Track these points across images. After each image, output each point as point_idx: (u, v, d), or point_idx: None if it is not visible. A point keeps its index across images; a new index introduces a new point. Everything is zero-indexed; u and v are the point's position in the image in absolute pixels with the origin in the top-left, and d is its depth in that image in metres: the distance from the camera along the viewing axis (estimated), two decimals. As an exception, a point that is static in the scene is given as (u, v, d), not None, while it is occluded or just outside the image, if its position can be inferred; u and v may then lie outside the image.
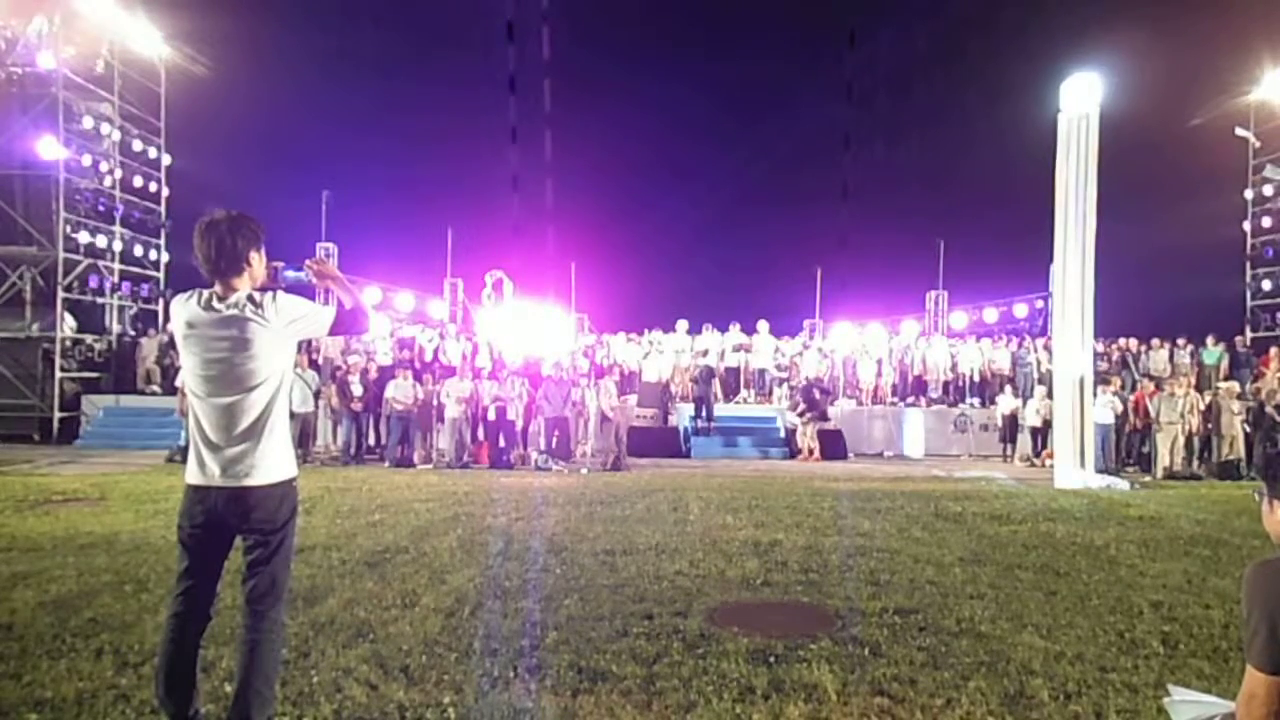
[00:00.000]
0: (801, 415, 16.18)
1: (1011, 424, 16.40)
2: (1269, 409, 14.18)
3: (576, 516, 8.78)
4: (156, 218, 20.24)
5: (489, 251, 25.28)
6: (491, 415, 14.32)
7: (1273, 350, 16.77)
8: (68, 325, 17.78)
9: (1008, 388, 17.05)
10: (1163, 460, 14.09)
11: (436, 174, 30.61)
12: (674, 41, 36.36)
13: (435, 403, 14.51)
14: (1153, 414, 14.30)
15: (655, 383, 17.97)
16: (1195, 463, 14.53)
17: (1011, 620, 5.19)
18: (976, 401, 18.44)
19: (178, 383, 13.19)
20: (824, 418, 16.30)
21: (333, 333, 3.40)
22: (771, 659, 4.40)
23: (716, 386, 17.73)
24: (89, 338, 18.62)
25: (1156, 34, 20.70)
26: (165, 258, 20.49)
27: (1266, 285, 20.01)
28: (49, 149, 16.98)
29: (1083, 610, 5.45)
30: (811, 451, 15.84)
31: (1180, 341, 18.28)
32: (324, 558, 6.55)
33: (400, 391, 14.07)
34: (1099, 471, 12.90)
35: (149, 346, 18.06)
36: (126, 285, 19.24)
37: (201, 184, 21.22)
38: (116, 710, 3.62)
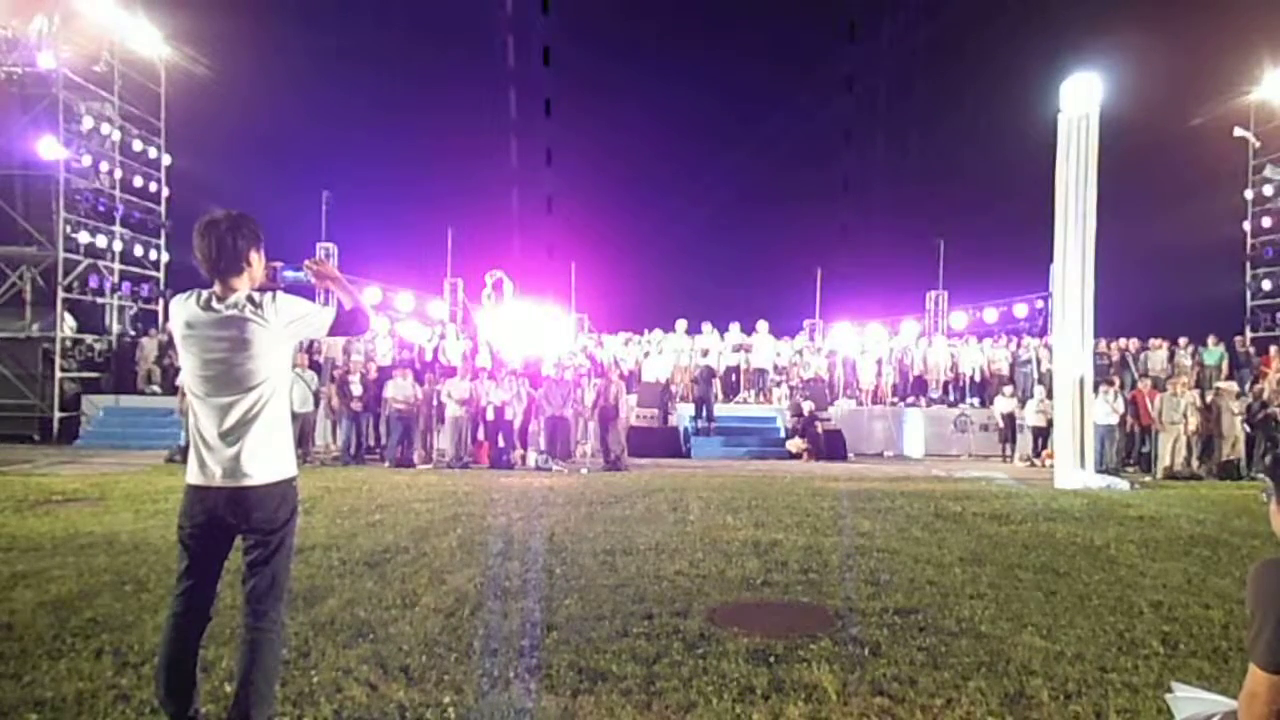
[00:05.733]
0: (798, 425, 16.46)
1: (1009, 424, 16.41)
2: (1271, 409, 14.17)
3: (576, 516, 8.77)
4: (156, 218, 20.24)
5: (489, 251, 25.25)
6: (490, 415, 14.33)
7: (1273, 350, 16.78)
8: (68, 325, 17.78)
9: (1006, 388, 17.06)
10: (1163, 460, 14.09)
11: (436, 174, 30.56)
12: (673, 41, 36.30)
13: (435, 402, 14.52)
14: (1153, 414, 14.30)
15: (655, 383, 17.98)
16: (1195, 463, 14.53)
17: (1011, 620, 5.18)
18: (976, 401, 18.44)
19: (178, 382, 13.19)
20: (813, 423, 16.42)
21: (332, 333, 3.40)
22: (771, 659, 4.40)
23: (717, 386, 17.74)
24: (89, 338, 18.62)
25: (1156, 34, 20.67)
26: (165, 258, 20.50)
27: (1266, 285, 20.00)
28: (49, 149, 16.98)
29: (1083, 610, 5.44)
30: (805, 453, 15.94)
31: (1181, 342, 18.28)
32: (324, 558, 6.54)
33: (400, 391, 14.07)
34: (1099, 471, 12.91)
35: (149, 346, 18.07)
36: (126, 285, 19.24)
37: (201, 184, 21.19)
38: (116, 710, 3.61)
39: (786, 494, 10.68)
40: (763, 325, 19.38)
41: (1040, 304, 21.20)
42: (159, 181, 20.22)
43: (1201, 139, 20.92)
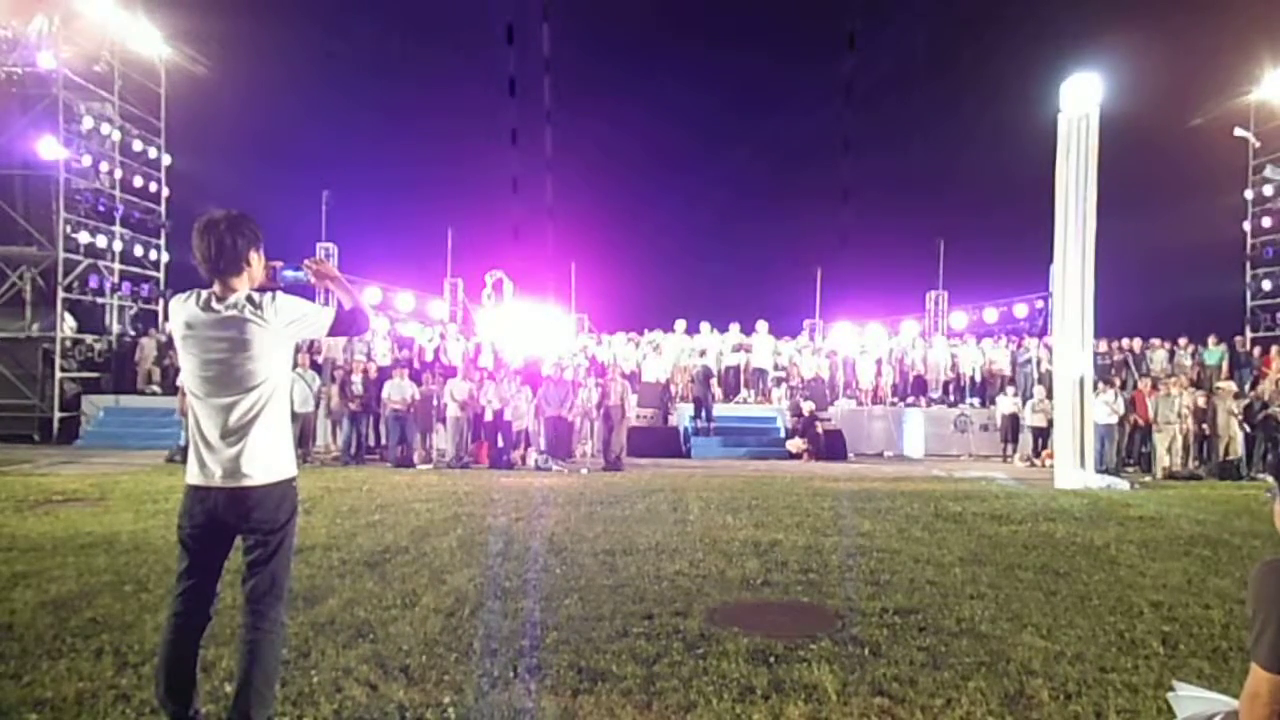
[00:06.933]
0: (798, 425, 16.48)
1: (1012, 424, 16.41)
2: (1271, 409, 14.16)
3: (576, 516, 8.77)
4: (156, 218, 20.24)
5: (489, 251, 25.29)
6: (489, 416, 14.32)
7: (1274, 350, 16.77)
8: (68, 325, 17.78)
9: (1008, 388, 17.06)
10: (1162, 460, 14.09)
11: (436, 174, 30.61)
12: (674, 41, 36.36)
13: (436, 403, 14.51)
14: (1151, 414, 14.31)
15: (655, 383, 17.98)
16: (1195, 463, 14.52)
17: (1011, 620, 5.18)
18: (976, 401, 18.43)
19: (178, 382, 13.18)
20: (813, 423, 16.43)
21: (332, 333, 3.40)
22: (771, 659, 4.40)
23: (714, 386, 17.74)
24: (89, 338, 18.62)
25: (1156, 34, 20.70)
26: (165, 258, 20.50)
27: (1266, 285, 20.01)
28: (49, 149, 16.98)
29: (1083, 610, 5.44)
30: (805, 453, 15.95)
31: (1181, 342, 18.28)
32: (324, 558, 6.54)
33: (397, 391, 14.06)
34: (1099, 471, 12.90)
35: (149, 346, 18.07)
36: (126, 285, 19.24)
37: (201, 184, 21.22)
38: (116, 710, 3.61)
39: (786, 494, 10.67)
40: (762, 325, 19.37)
41: (1040, 304, 21.21)
42: (159, 181, 20.22)
43: (1201, 139, 20.94)
